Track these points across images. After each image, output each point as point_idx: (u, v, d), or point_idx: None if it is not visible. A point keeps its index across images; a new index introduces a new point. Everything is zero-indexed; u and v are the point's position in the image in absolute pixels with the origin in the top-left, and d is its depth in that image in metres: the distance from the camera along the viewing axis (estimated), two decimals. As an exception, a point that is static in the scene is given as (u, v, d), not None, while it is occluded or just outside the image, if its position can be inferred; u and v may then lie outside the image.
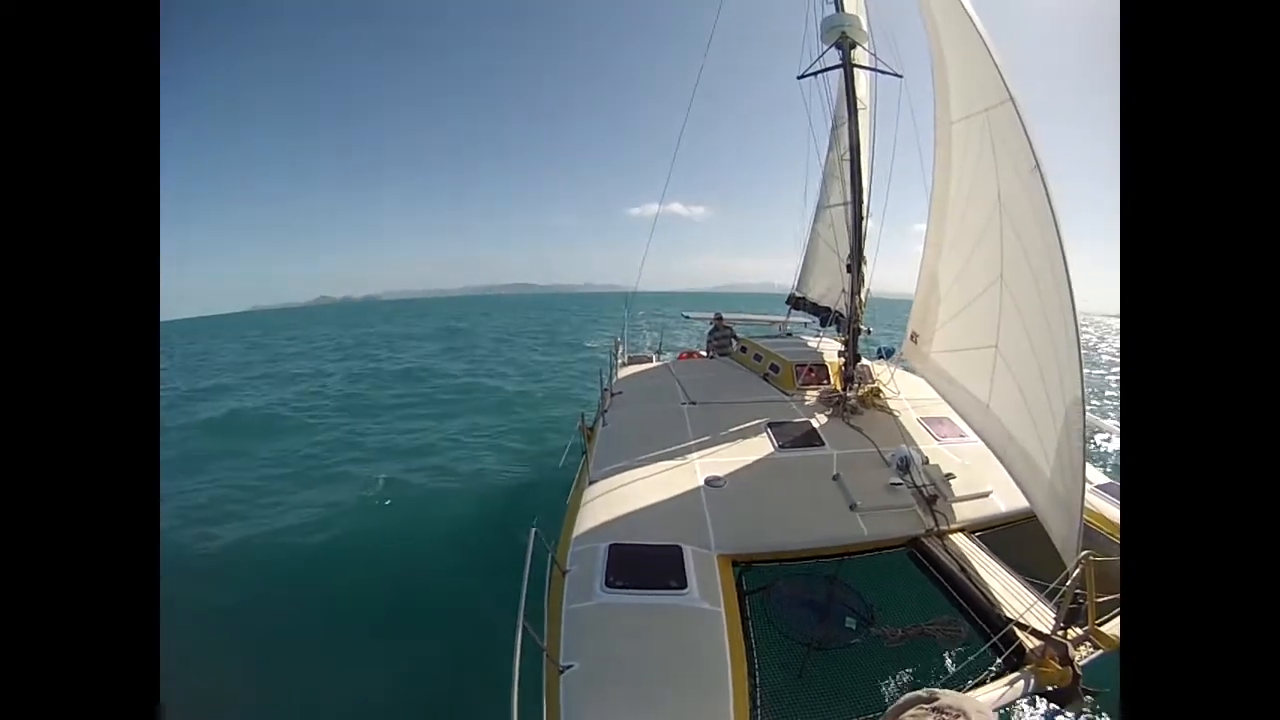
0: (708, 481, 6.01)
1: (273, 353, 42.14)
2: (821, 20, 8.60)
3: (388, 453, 14.44)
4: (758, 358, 10.13)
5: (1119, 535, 5.26)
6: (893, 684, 4.17)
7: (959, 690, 3.69)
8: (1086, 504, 4.38)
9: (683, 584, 4.43)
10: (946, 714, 1.49)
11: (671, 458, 6.61)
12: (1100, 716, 4.59)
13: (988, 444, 5.81)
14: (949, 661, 4.28)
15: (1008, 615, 4.30)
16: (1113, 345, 41.60)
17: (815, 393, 8.67)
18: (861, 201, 8.57)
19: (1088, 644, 4.02)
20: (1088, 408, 4.33)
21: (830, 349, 9.79)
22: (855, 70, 8.59)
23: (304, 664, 6.35)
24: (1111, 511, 5.71)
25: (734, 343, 12.00)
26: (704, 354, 13.16)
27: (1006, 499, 5.78)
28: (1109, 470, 7.56)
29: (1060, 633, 3.99)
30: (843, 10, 8.64)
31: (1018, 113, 4.98)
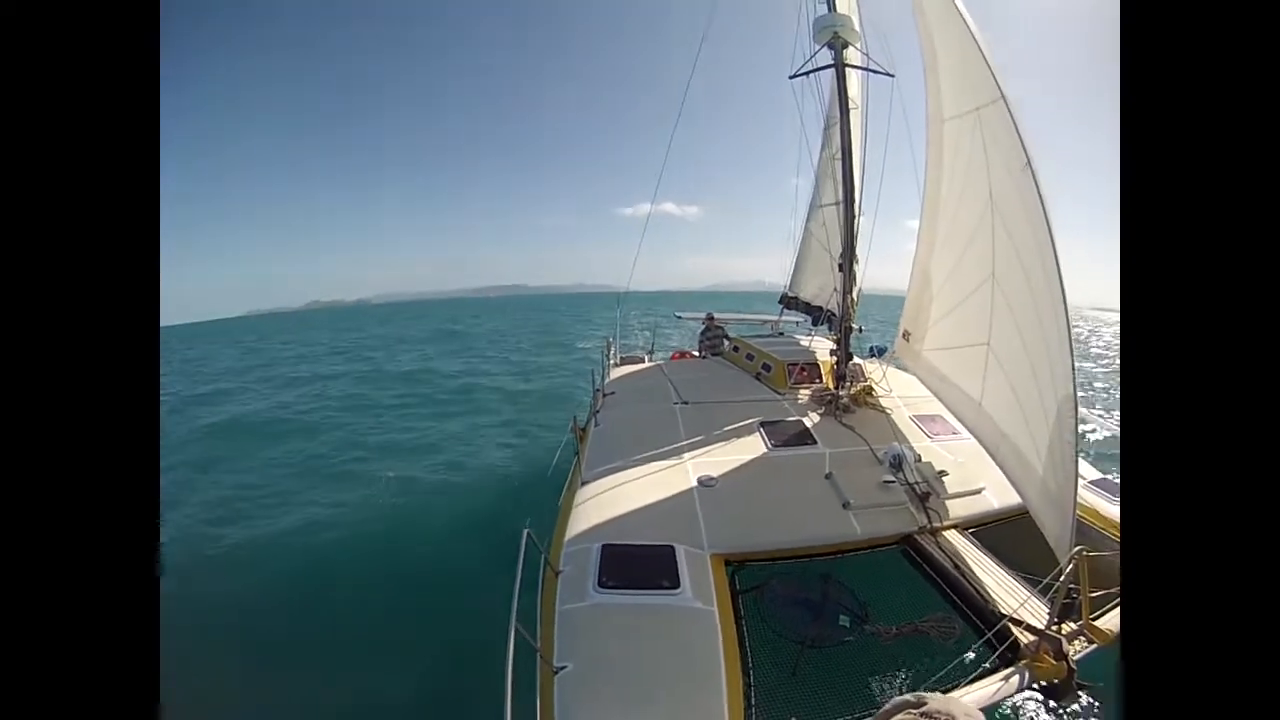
0: (700, 481, 6.02)
1: (269, 357, 42.10)
2: (813, 20, 8.61)
3: (383, 454, 14.42)
4: (750, 357, 10.13)
5: (1113, 531, 5.31)
6: (887, 682, 4.18)
7: (954, 687, 3.72)
8: (1079, 499, 4.40)
9: (676, 584, 4.44)
10: (935, 718, 1.49)
11: (664, 458, 6.61)
12: (1095, 710, 4.61)
13: (980, 441, 5.84)
14: (943, 658, 4.31)
15: (1002, 611, 4.32)
16: (1103, 339, 41.90)
17: (807, 392, 8.69)
18: (853, 200, 8.59)
19: (1082, 639, 4.05)
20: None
21: (822, 348, 9.80)
22: (847, 70, 8.62)
23: (301, 664, 6.34)
24: (1104, 507, 5.76)
25: (726, 342, 12.01)
26: (696, 354, 13.17)
27: (999, 495, 5.81)
28: (1095, 461, 7.61)
29: (1054, 628, 4.02)
30: (834, 10, 8.65)
31: (1009, 111, 5.01)
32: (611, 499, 5.70)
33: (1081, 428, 4.39)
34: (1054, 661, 3.83)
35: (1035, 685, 3.84)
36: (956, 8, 5.49)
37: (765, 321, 14.82)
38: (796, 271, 12.54)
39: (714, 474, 6.17)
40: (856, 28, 8.62)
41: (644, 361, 12.41)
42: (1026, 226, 4.88)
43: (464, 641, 6.13)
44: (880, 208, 9.03)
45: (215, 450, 15.62)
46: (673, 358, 13.24)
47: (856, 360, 9.04)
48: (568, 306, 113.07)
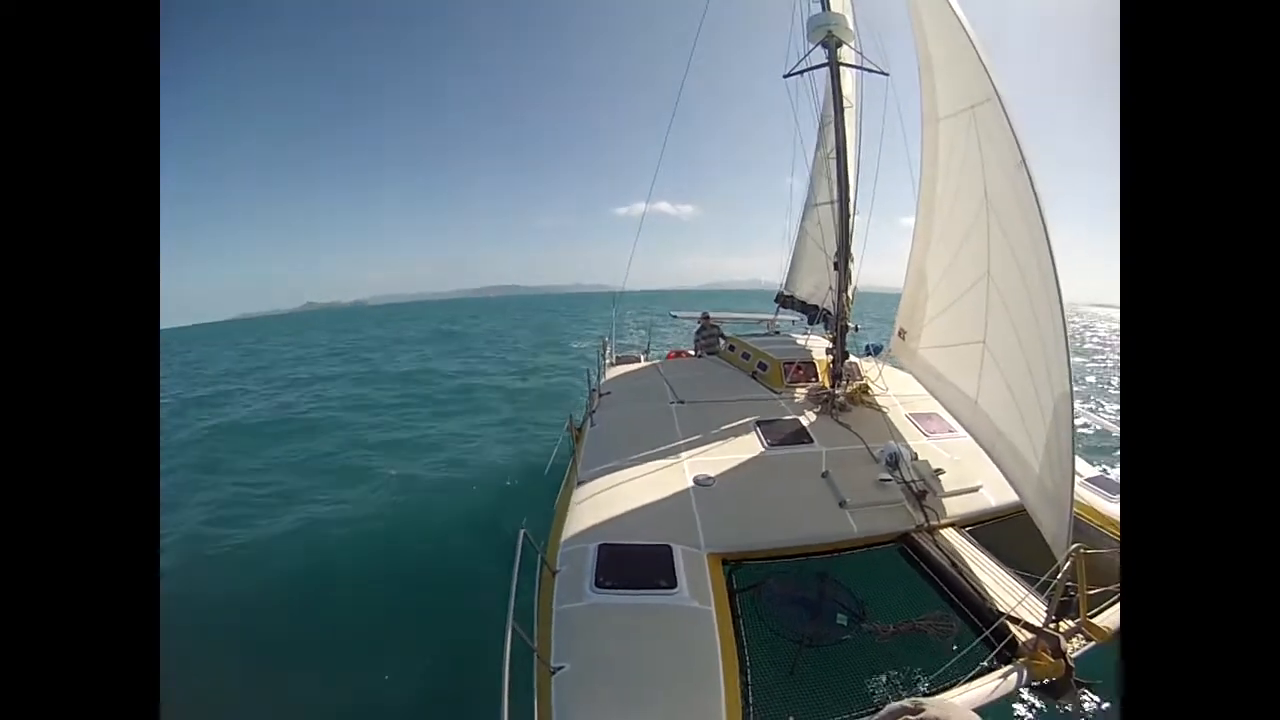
0: (697, 480, 6.02)
1: (269, 359, 42.20)
2: (808, 19, 8.61)
3: (383, 453, 14.47)
4: (746, 356, 10.13)
5: (1110, 528, 5.33)
6: (885, 680, 4.19)
7: (951, 685, 3.73)
8: (1076, 497, 4.41)
9: (673, 583, 4.44)
10: None
11: (660, 457, 6.61)
12: (1094, 708, 4.62)
13: (976, 439, 5.84)
14: (941, 657, 4.32)
15: (999, 609, 4.33)
16: (1098, 334, 42.10)
17: (804, 390, 8.69)
18: (848, 199, 8.58)
19: (1080, 636, 4.05)
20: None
21: (818, 346, 9.80)
22: (841, 68, 8.61)
23: (298, 665, 6.33)
24: (1101, 504, 5.77)
25: (722, 341, 12.01)
26: (692, 353, 13.17)
27: (996, 493, 5.83)
28: (1085, 456, 7.63)
29: (1052, 625, 4.02)
30: (829, 9, 8.66)
31: (1004, 109, 5.01)
32: (608, 499, 5.69)
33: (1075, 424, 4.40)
34: (1052, 659, 3.83)
35: (1033, 683, 3.84)
36: (950, 6, 5.49)
37: (761, 320, 14.83)
38: (792, 270, 12.54)
39: (710, 473, 6.16)
40: (851, 26, 8.61)
41: (640, 361, 12.40)
42: (1021, 224, 4.88)
43: (461, 641, 6.13)
44: (875, 206, 9.05)
45: (216, 451, 15.68)
46: (668, 357, 13.23)
47: (852, 359, 9.04)
48: (565, 306, 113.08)
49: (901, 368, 8.09)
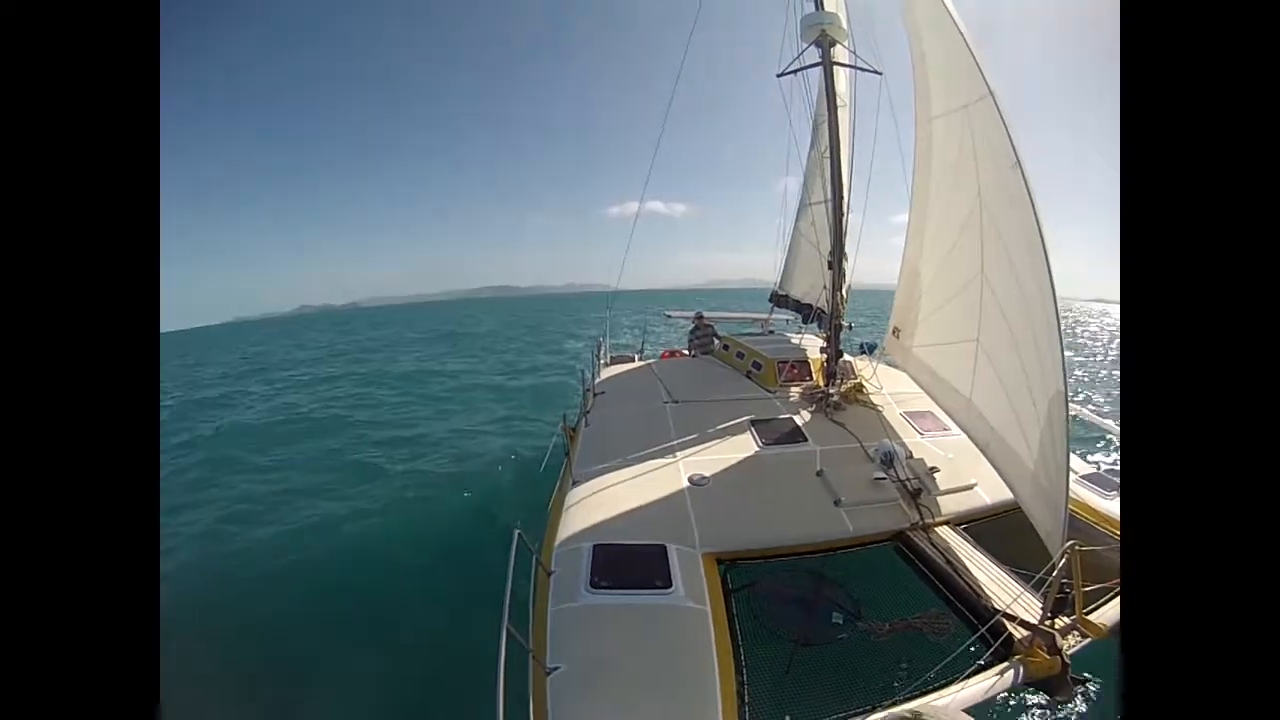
0: (692, 480, 6.02)
1: (268, 361, 42.26)
2: (801, 18, 8.61)
3: (383, 451, 14.61)
4: (740, 355, 10.12)
5: (1105, 525, 5.36)
6: (881, 679, 4.19)
7: (948, 683, 3.73)
8: (1070, 494, 4.42)
9: (668, 583, 4.44)
10: None
11: (655, 457, 6.60)
12: (1089, 704, 4.64)
13: (971, 437, 5.87)
14: (937, 655, 4.33)
15: (995, 606, 4.33)
16: (1089, 330, 42.34)
17: (798, 389, 8.68)
18: (842, 198, 8.58)
19: (1075, 633, 4.07)
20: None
21: (812, 345, 9.79)
22: (835, 68, 8.61)
23: (294, 665, 6.33)
24: (1095, 501, 5.80)
25: (716, 340, 11.99)
26: (686, 353, 13.16)
27: (991, 491, 5.84)
28: (1073, 450, 7.70)
29: (1048, 622, 4.03)
30: (822, 8, 8.66)
31: (998, 108, 5.03)
32: (602, 499, 5.68)
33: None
34: (1047, 656, 3.84)
35: (1029, 680, 3.85)
36: (945, 5, 5.51)
37: (755, 319, 14.82)
38: (786, 269, 12.53)
39: (705, 473, 6.16)
40: (844, 25, 8.61)
41: (634, 361, 12.38)
42: (1015, 224, 4.90)
43: (456, 643, 6.12)
44: (869, 204, 9.04)
45: (218, 451, 15.82)
46: (663, 356, 13.21)
47: (847, 357, 9.05)
48: (559, 306, 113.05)
49: (896, 366, 8.11)
